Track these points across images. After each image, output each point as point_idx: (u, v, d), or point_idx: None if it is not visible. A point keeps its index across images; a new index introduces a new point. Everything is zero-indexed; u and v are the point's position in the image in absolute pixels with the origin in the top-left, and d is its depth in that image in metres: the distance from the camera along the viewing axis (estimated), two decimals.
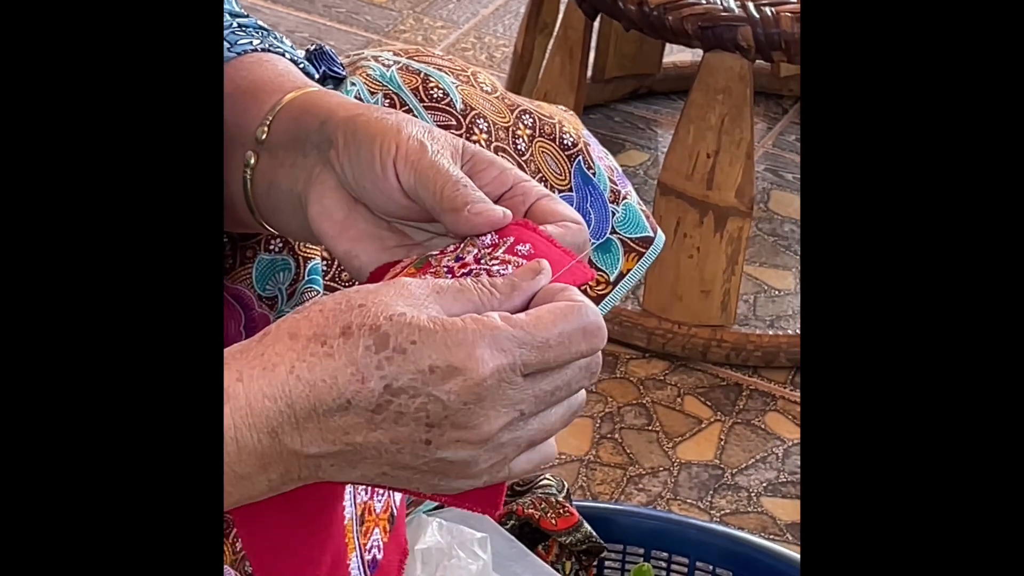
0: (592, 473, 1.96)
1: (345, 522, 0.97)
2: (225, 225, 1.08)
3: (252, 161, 0.97)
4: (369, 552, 1.01)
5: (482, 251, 0.84)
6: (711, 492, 1.93)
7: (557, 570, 1.33)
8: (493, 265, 0.82)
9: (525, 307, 0.80)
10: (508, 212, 0.86)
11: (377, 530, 1.04)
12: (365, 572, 1.02)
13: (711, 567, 1.37)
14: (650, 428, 2.03)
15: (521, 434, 0.78)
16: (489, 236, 0.85)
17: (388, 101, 1.13)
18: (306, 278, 1.08)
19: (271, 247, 1.09)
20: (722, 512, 1.90)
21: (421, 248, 0.91)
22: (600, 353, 0.80)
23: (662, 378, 2.12)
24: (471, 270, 0.82)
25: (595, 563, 1.36)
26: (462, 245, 0.85)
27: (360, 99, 1.13)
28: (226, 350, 0.79)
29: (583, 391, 0.82)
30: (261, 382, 0.76)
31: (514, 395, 0.76)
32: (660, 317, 2.15)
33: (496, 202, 0.89)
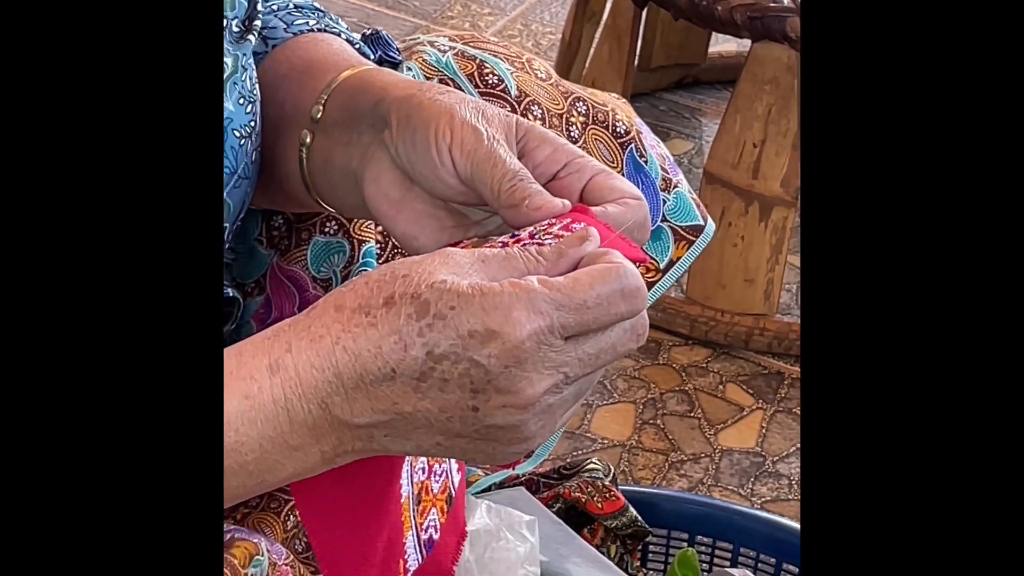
0: (634, 458, 1.97)
1: (402, 500, 0.98)
2: (282, 205, 1.09)
3: (308, 140, 0.98)
4: (426, 531, 1.02)
5: (537, 228, 0.84)
6: (752, 479, 1.94)
7: (602, 553, 1.34)
8: (547, 239, 0.82)
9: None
10: (567, 203, 0.86)
11: (434, 510, 1.05)
12: (421, 551, 1.03)
13: (755, 553, 1.37)
14: (692, 415, 2.04)
15: (567, 395, 0.79)
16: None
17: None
18: (360, 261, 1.09)
19: (326, 229, 1.11)
20: (763, 499, 1.91)
21: (479, 227, 0.92)
22: (645, 314, 0.80)
23: (704, 365, 2.13)
24: (523, 244, 0.83)
25: (640, 547, 1.37)
26: None
27: None
28: (276, 324, 0.80)
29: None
30: (309, 353, 0.77)
31: (556, 358, 0.76)
32: (703, 305, 2.15)
33: (551, 179, 0.89)
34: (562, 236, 0.82)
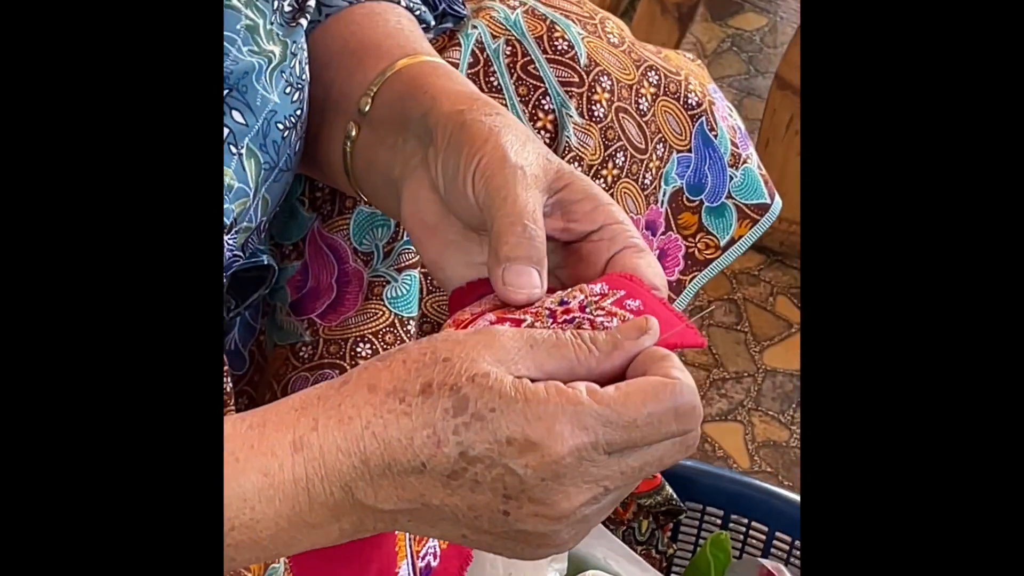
0: None
1: (397, 532, 0.94)
2: (323, 180, 1.04)
3: (353, 133, 0.92)
4: (423, 559, 0.97)
5: (589, 298, 0.78)
6: (794, 405, 1.89)
7: (633, 528, 1.30)
8: (598, 316, 0.76)
9: (624, 369, 0.75)
10: (542, 291, 0.79)
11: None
12: None
13: (790, 539, 1.33)
14: (739, 328, 1.99)
15: (604, 504, 0.74)
16: (599, 285, 0.79)
17: (510, 49, 1.07)
18: (404, 238, 1.04)
19: None
20: None
21: None
22: (698, 428, 0.74)
23: (756, 273, 2.07)
24: (574, 318, 0.76)
25: (672, 523, 1.33)
26: (569, 288, 0.80)
27: (481, 44, 1.07)
28: (304, 393, 0.75)
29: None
30: (336, 435, 0.72)
31: (596, 472, 0.71)
32: None
33: (582, 240, 0.83)
34: (615, 312, 0.76)
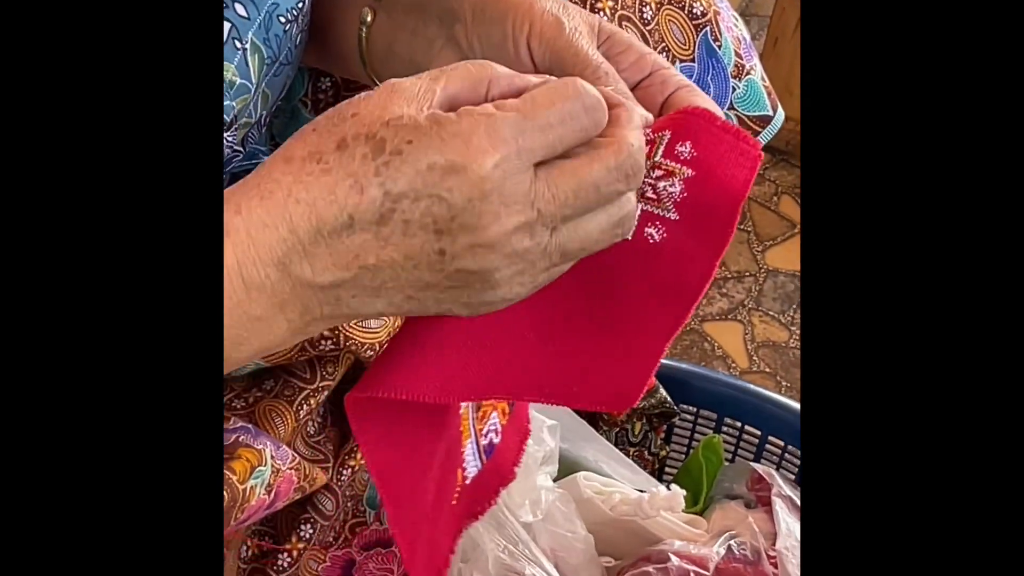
0: None
1: (461, 411, 0.95)
2: (335, 71, 1.03)
3: (368, 19, 0.91)
4: (485, 437, 0.98)
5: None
6: (794, 306, 1.90)
7: (626, 430, 1.32)
8: (658, 179, 0.76)
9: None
10: (650, 116, 0.77)
11: (495, 414, 1.02)
12: (481, 456, 0.99)
13: (783, 444, 1.34)
14: (742, 227, 1.99)
15: (547, 242, 0.72)
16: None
17: None
18: None
19: None
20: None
21: None
22: (637, 154, 0.72)
23: (761, 172, 2.06)
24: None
25: (665, 425, 1.34)
26: None
27: None
28: (226, 189, 0.72)
29: (631, 200, 0.74)
30: (260, 211, 0.70)
31: (524, 189, 0.70)
32: None
33: (633, 89, 0.82)
34: (672, 171, 0.74)
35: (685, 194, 0.76)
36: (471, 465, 0.99)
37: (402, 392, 0.79)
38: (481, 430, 0.99)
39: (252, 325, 0.72)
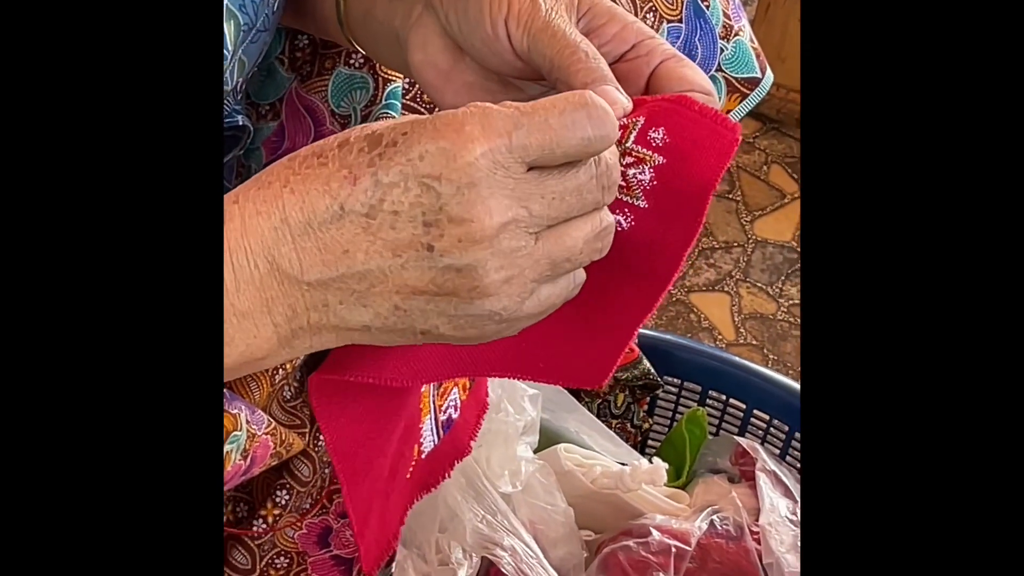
0: None
1: (422, 389, 0.94)
2: (313, 32, 1.01)
3: None
4: (444, 412, 0.97)
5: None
6: (783, 278, 1.87)
7: (609, 402, 1.29)
8: (628, 166, 0.74)
9: None
10: (629, 104, 0.77)
11: (456, 390, 1.00)
12: (438, 432, 0.98)
13: (768, 417, 1.32)
14: (730, 196, 1.96)
15: (534, 248, 0.71)
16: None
17: None
18: (384, 102, 1.01)
19: (351, 61, 1.02)
20: (790, 302, 1.85)
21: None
22: (613, 170, 0.71)
23: (751, 140, 2.04)
24: None
25: (648, 396, 1.32)
26: None
27: None
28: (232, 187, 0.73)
29: (608, 215, 0.72)
30: (255, 199, 0.70)
31: (515, 185, 0.69)
32: None
33: (617, 60, 0.80)
34: (643, 157, 0.73)
35: (655, 182, 0.74)
36: (428, 441, 0.98)
37: (369, 375, 0.79)
38: (441, 406, 0.98)
39: (239, 322, 0.71)
